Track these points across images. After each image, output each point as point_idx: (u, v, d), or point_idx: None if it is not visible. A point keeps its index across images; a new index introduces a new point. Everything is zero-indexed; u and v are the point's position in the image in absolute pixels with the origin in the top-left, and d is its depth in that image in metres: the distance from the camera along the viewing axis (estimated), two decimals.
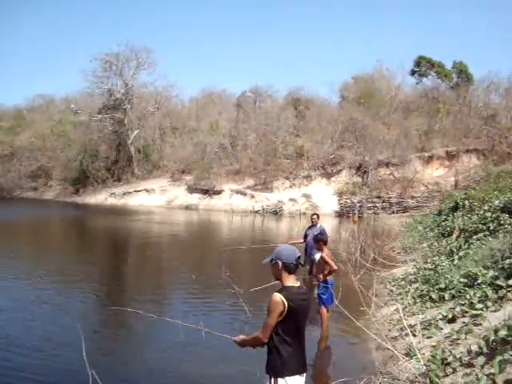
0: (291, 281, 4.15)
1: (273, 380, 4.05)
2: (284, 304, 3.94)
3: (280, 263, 4.14)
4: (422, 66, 53.85)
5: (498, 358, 4.77)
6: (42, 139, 59.60)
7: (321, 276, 7.89)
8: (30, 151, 59.34)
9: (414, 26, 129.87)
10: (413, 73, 55.18)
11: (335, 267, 7.90)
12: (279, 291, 4.05)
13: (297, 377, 4.07)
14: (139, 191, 46.98)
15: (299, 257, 4.23)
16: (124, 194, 47.54)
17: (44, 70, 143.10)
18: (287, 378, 4.02)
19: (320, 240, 8.28)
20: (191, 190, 44.31)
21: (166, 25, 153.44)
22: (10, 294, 11.29)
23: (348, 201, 38.65)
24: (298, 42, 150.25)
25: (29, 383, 6.48)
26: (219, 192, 42.53)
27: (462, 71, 52.21)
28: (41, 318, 9.39)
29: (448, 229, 15.80)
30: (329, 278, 7.95)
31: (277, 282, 4.29)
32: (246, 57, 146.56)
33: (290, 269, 4.15)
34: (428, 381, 5.24)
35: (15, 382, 6.49)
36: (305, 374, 4.20)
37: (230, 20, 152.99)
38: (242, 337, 4.33)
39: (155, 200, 45.03)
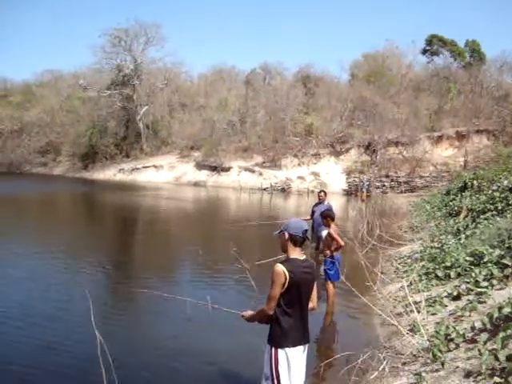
0: (296, 253, 4.20)
1: (273, 350, 4.12)
2: (286, 275, 4.00)
3: (287, 234, 4.19)
4: (434, 44, 53.26)
5: (501, 334, 4.81)
6: (50, 115, 59.53)
7: (328, 252, 7.93)
8: (39, 127, 59.38)
9: (426, 3, 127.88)
10: (424, 52, 54.61)
11: (342, 243, 7.93)
12: (282, 262, 4.11)
13: (297, 348, 4.14)
14: (148, 167, 47.04)
15: (306, 230, 4.26)
16: (132, 170, 47.63)
17: (53, 45, 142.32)
18: (287, 349, 4.09)
19: (328, 216, 8.30)
20: (199, 166, 44.31)
21: (174, 1, 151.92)
22: (24, 265, 11.51)
23: (356, 179, 38.55)
24: (309, 19, 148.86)
25: (42, 349, 6.63)
26: (227, 169, 42.51)
27: (474, 50, 51.60)
28: (53, 289, 9.55)
29: (456, 208, 15.82)
30: (335, 253, 8.00)
31: (283, 255, 4.34)
32: (256, 34, 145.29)
33: (296, 241, 4.19)
34: (431, 355, 5.30)
35: (28, 348, 6.65)
36: (307, 345, 4.26)
37: None
38: (249, 312, 4.40)
39: (163, 176, 45.10)
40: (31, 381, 5.75)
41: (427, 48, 54.14)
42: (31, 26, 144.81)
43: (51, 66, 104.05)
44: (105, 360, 4.50)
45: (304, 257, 4.24)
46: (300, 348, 4.17)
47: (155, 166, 46.75)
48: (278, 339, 4.10)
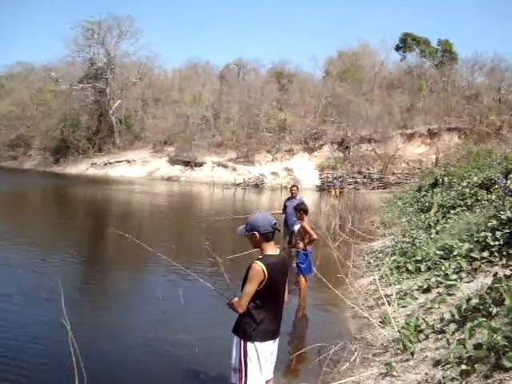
0: (271, 248, 4.11)
1: (242, 342, 4.07)
2: (264, 273, 3.92)
3: (257, 234, 4.09)
4: (408, 42, 53.85)
5: (469, 324, 4.91)
6: (21, 108, 58.54)
7: (301, 245, 7.95)
8: (9, 120, 58.32)
9: (399, 2, 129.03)
10: (398, 49, 55.16)
11: (315, 236, 7.95)
12: (260, 260, 4.02)
13: (268, 342, 4.11)
14: (120, 162, 46.66)
15: (275, 222, 4.18)
16: (105, 164, 47.19)
17: (24, 37, 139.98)
18: (257, 343, 4.05)
19: (301, 209, 8.31)
20: (173, 161, 44.15)
21: None
22: None
23: (329, 175, 38.81)
24: (285, 15, 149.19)
25: (10, 338, 6.55)
26: (201, 164, 42.46)
27: (446, 50, 52.30)
28: (27, 277, 9.53)
29: (427, 204, 16.00)
30: (308, 247, 8.03)
31: (256, 250, 4.30)
32: (231, 30, 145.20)
33: (268, 237, 4.11)
34: (401, 346, 5.38)
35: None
36: (277, 339, 4.24)
37: None
38: (236, 299, 4.15)
39: (136, 171, 44.80)
40: None
41: (400, 45, 54.73)
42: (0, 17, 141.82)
43: (22, 59, 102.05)
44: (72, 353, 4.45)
45: (278, 251, 4.18)
46: (270, 342, 4.15)
47: (128, 161, 46.40)
48: (249, 332, 4.05)
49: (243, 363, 4.06)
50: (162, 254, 7.03)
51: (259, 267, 3.94)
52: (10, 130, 58.14)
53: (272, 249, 4.13)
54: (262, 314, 4.06)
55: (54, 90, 57.16)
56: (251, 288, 3.96)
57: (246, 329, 4.07)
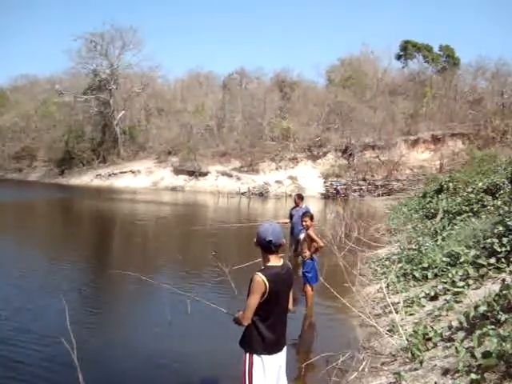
0: (274, 259, 4.08)
1: (248, 355, 4.04)
2: (266, 285, 3.88)
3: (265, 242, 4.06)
4: (409, 49, 53.89)
5: (478, 332, 4.89)
6: (25, 120, 58.77)
7: (307, 253, 7.92)
8: (14, 132, 58.54)
9: (401, 9, 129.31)
10: (399, 57, 55.22)
11: (322, 244, 7.93)
12: (261, 271, 3.99)
13: (274, 356, 4.07)
14: (125, 173, 46.62)
15: (282, 235, 4.13)
16: (110, 175, 47.18)
17: (28, 50, 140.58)
18: (263, 356, 4.01)
19: (306, 215, 8.26)
20: (177, 171, 44.12)
21: (151, 5, 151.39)
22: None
23: (334, 183, 38.77)
24: (286, 24, 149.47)
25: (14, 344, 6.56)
26: (205, 173, 42.43)
27: (448, 55, 52.33)
28: (32, 287, 9.53)
29: (432, 211, 15.97)
30: (314, 255, 8.01)
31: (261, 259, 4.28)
32: (233, 39, 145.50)
33: (276, 247, 4.07)
34: (409, 354, 5.36)
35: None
36: (285, 350, 4.20)
37: (217, 1, 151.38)
38: (240, 312, 4.13)
39: (141, 181, 44.79)
40: None
41: (401, 53, 54.80)
42: (4, 31, 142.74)
43: (26, 71, 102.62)
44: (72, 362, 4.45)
45: (281, 261, 4.13)
46: (277, 354, 4.10)
47: (132, 172, 46.39)
48: (255, 346, 4.02)
49: (248, 376, 4.01)
50: (168, 285, 7.04)
51: (260, 279, 3.91)
52: (14, 142, 58.30)
53: (275, 259, 4.10)
54: (269, 328, 4.02)
55: (58, 102, 57.35)
56: (254, 300, 3.93)
57: (252, 342, 4.03)
